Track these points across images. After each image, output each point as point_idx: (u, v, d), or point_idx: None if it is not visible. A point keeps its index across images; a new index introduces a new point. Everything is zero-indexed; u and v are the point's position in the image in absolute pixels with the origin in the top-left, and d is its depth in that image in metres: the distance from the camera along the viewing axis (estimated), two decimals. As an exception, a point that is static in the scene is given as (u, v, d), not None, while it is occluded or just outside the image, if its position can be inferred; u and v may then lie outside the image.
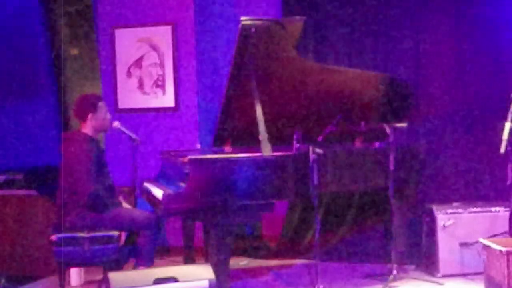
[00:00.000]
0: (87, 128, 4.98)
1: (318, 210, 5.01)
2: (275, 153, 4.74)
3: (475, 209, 5.46)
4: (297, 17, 5.22)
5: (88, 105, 4.98)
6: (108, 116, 5.09)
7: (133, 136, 5.36)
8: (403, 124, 5.33)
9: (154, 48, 6.70)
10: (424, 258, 5.60)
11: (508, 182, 4.98)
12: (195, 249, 5.57)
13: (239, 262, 6.09)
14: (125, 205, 5.09)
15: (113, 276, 4.15)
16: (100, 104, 5.01)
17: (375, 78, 5.55)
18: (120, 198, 5.12)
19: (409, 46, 6.09)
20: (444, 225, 5.39)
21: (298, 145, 4.86)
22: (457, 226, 5.40)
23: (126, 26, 6.74)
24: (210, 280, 4.21)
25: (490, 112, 5.80)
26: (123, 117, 6.25)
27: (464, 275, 5.34)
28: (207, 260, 5.22)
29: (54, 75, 6.77)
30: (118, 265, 4.86)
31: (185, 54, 6.65)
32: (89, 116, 4.95)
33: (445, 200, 5.79)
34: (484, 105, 5.91)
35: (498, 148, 4.87)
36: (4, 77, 6.40)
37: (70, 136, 5.20)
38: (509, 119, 4.87)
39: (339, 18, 6.24)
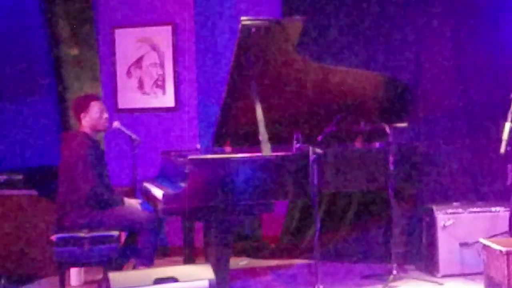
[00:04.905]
0: (85, 128, 5.03)
1: (318, 210, 5.00)
2: (275, 153, 4.74)
3: (475, 209, 5.47)
4: (297, 17, 5.21)
5: (78, 107, 5.06)
6: (105, 114, 5.10)
7: (133, 136, 5.36)
8: (403, 124, 5.33)
9: (154, 48, 6.70)
10: (424, 258, 5.60)
11: (508, 182, 4.98)
12: (195, 249, 5.57)
13: (239, 262, 6.09)
14: (128, 201, 5.05)
15: (113, 276, 4.15)
16: (93, 103, 5.04)
17: (375, 78, 5.55)
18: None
19: (409, 46, 6.08)
20: (444, 225, 5.39)
21: (298, 145, 4.86)
22: (457, 226, 5.40)
23: (126, 26, 6.74)
24: (210, 280, 4.21)
25: (490, 112, 5.79)
26: (123, 117, 6.24)
27: (464, 275, 5.34)
28: (207, 260, 5.21)
29: (54, 75, 6.76)
30: (118, 265, 4.88)
31: (185, 54, 6.65)
32: (82, 116, 5.01)
33: (445, 200, 5.79)
34: (484, 105, 5.90)
35: (498, 148, 4.87)
36: (4, 77, 6.40)
37: (69, 135, 5.24)
38: (509, 119, 4.86)
39: (339, 18, 6.22)
